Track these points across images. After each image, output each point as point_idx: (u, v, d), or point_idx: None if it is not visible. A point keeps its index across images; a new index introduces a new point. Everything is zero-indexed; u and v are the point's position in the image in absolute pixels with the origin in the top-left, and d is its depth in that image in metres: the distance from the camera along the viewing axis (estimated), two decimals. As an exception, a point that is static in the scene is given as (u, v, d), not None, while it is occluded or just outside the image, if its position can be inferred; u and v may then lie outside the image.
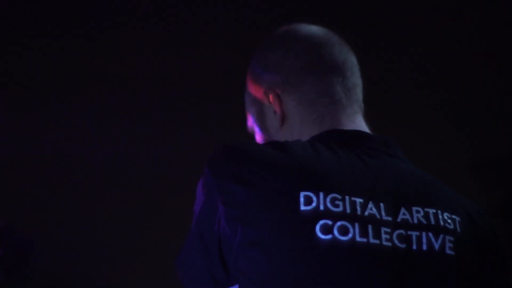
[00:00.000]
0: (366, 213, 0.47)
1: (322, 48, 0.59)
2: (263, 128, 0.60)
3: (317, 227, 0.44)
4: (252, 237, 0.44)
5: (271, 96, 0.57)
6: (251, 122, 0.62)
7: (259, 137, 0.61)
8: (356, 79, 0.60)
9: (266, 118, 0.59)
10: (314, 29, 0.62)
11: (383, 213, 0.48)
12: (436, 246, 0.48)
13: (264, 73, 0.60)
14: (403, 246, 0.47)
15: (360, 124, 0.58)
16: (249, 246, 0.44)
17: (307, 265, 0.44)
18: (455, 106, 2.40)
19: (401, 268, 0.47)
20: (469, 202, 0.56)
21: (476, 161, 2.25)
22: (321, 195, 0.45)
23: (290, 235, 0.44)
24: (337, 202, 0.46)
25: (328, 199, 0.45)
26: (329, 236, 0.44)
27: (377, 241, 0.46)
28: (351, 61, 0.61)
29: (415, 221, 0.49)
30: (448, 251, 0.49)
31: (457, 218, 0.52)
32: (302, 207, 0.44)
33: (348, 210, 0.46)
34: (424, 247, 0.48)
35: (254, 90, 0.60)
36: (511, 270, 0.56)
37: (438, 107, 2.39)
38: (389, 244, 0.47)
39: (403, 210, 0.49)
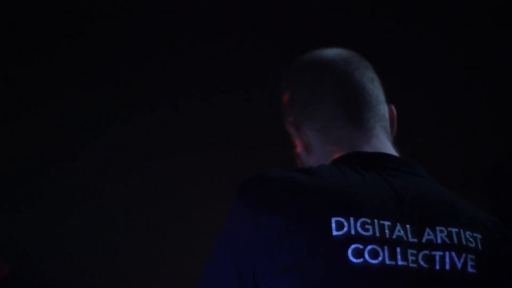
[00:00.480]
0: (394, 235, 0.49)
1: (333, 73, 0.62)
2: (300, 159, 0.64)
3: (349, 251, 0.46)
4: (287, 263, 0.45)
5: (293, 130, 0.62)
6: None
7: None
8: (375, 96, 0.62)
9: (297, 149, 0.63)
10: (325, 55, 0.65)
11: (409, 234, 0.50)
12: (459, 265, 0.50)
13: (284, 110, 0.65)
14: (427, 266, 0.49)
15: (379, 143, 0.60)
16: (284, 271, 0.45)
17: (329, 281, 0.46)
18: (442, 117, 2.45)
19: None
20: (487, 217, 0.59)
21: (463, 173, 2.31)
22: (352, 220, 0.47)
23: (324, 260, 0.46)
24: (367, 226, 0.48)
25: (358, 224, 0.47)
26: (360, 260, 0.46)
27: (404, 263, 0.48)
28: (367, 78, 0.63)
29: (439, 241, 0.51)
30: (469, 270, 0.51)
31: (478, 236, 0.54)
32: (334, 232, 0.46)
33: (377, 234, 0.48)
34: (447, 266, 0.50)
35: (285, 126, 0.65)
36: None
37: (426, 118, 2.43)
38: (415, 265, 0.49)
39: (427, 230, 0.51)
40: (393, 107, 0.66)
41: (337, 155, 0.58)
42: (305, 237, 0.47)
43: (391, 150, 0.61)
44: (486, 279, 0.52)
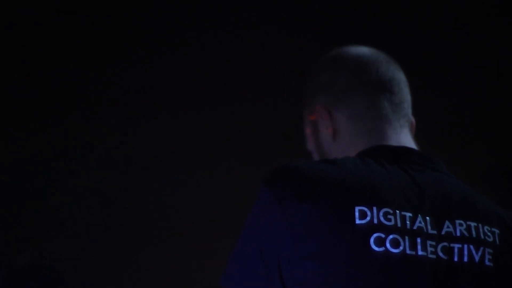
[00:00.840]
0: (415, 227, 0.50)
1: (369, 66, 0.64)
2: (318, 145, 0.65)
3: (371, 240, 0.48)
4: (311, 250, 0.47)
5: (324, 114, 0.62)
6: (309, 142, 0.68)
7: (315, 156, 0.67)
8: (403, 95, 0.65)
9: (320, 135, 0.64)
10: (361, 50, 0.67)
11: (429, 226, 0.51)
12: (477, 258, 0.52)
13: (317, 93, 0.66)
14: (445, 257, 0.51)
15: (405, 138, 0.62)
16: (308, 258, 0.47)
17: (362, 276, 0.48)
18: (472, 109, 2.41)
19: (443, 279, 0.50)
20: (506, 213, 0.60)
21: (484, 169, 2.28)
22: (375, 209, 0.49)
23: (347, 247, 0.48)
24: (389, 216, 0.49)
25: (381, 214, 0.49)
26: (382, 249, 0.47)
27: (424, 253, 0.49)
28: (399, 77, 0.65)
29: (458, 233, 0.52)
30: (487, 263, 0.52)
31: (496, 231, 0.55)
32: (358, 221, 0.48)
33: (399, 224, 0.49)
34: (465, 259, 0.52)
35: (309, 110, 0.66)
36: None
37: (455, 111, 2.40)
38: (434, 256, 0.50)
39: (447, 223, 0.53)
40: (413, 118, 0.68)
41: (362, 146, 0.59)
42: (329, 225, 0.48)
43: (415, 146, 0.63)
44: (503, 273, 0.53)
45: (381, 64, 0.64)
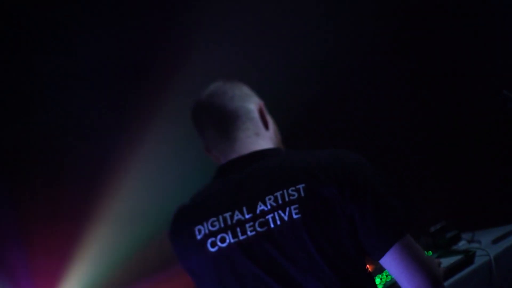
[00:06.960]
0: (234, 220, 0.68)
1: (202, 109, 0.83)
2: None
3: (208, 245, 0.70)
4: (185, 266, 0.79)
5: (207, 152, 0.87)
6: None
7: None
8: (232, 112, 0.80)
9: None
10: (197, 100, 0.85)
11: (246, 214, 0.68)
12: (285, 217, 0.66)
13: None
14: (263, 229, 0.66)
15: (240, 145, 0.79)
16: (187, 270, 0.79)
17: (207, 271, 0.72)
18: None
19: (268, 244, 0.66)
20: (328, 160, 0.70)
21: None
22: (205, 223, 0.71)
23: (196, 257, 0.73)
24: (214, 223, 0.70)
25: (209, 224, 0.70)
26: (216, 248, 0.69)
27: (245, 236, 0.67)
28: (227, 99, 0.80)
29: (269, 207, 0.67)
30: (295, 216, 0.65)
31: (301, 186, 0.67)
32: (198, 237, 0.71)
33: (222, 225, 0.69)
34: (278, 222, 0.66)
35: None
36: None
37: None
38: (254, 233, 0.67)
39: (260, 203, 0.68)
40: (262, 104, 0.85)
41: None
42: (186, 248, 0.74)
43: (256, 146, 0.79)
44: (308, 217, 0.65)
45: (209, 99, 0.82)
